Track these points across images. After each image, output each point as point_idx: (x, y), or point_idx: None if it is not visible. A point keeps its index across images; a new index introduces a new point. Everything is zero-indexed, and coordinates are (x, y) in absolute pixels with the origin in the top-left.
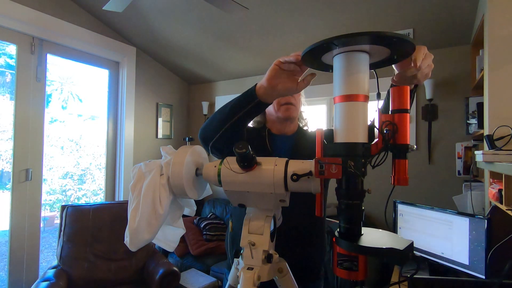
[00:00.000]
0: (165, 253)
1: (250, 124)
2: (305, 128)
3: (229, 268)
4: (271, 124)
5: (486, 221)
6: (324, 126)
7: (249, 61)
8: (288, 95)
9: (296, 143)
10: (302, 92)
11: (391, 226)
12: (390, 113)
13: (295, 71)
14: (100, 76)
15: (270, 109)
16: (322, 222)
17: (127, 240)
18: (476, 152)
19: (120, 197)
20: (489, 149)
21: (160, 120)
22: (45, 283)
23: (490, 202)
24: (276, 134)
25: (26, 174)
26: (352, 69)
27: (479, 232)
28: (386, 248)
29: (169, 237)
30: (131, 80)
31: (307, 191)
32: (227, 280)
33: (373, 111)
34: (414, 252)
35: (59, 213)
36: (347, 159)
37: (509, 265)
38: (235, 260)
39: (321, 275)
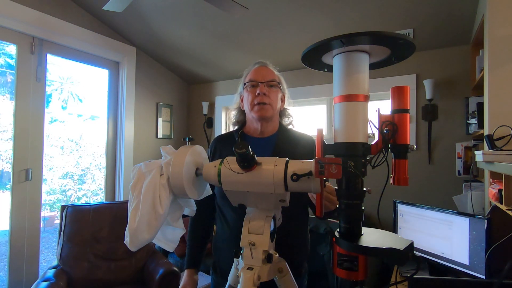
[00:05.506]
0: (165, 253)
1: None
2: (289, 126)
3: (215, 269)
4: (249, 124)
5: (486, 221)
6: (324, 126)
7: (249, 61)
8: None
9: (277, 145)
10: (286, 90)
11: (389, 226)
12: (390, 113)
13: None
14: (100, 76)
15: (246, 108)
16: (304, 223)
17: (127, 240)
18: (476, 152)
19: (120, 197)
20: (489, 149)
21: (160, 120)
22: (45, 283)
23: (490, 202)
24: (253, 137)
25: (26, 174)
26: (352, 69)
27: (479, 232)
28: (386, 248)
29: (169, 237)
30: (131, 80)
31: (307, 191)
32: (213, 282)
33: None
34: (414, 252)
35: (59, 213)
36: (347, 159)
37: (509, 265)
38: (235, 260)
39: (303, 272)
